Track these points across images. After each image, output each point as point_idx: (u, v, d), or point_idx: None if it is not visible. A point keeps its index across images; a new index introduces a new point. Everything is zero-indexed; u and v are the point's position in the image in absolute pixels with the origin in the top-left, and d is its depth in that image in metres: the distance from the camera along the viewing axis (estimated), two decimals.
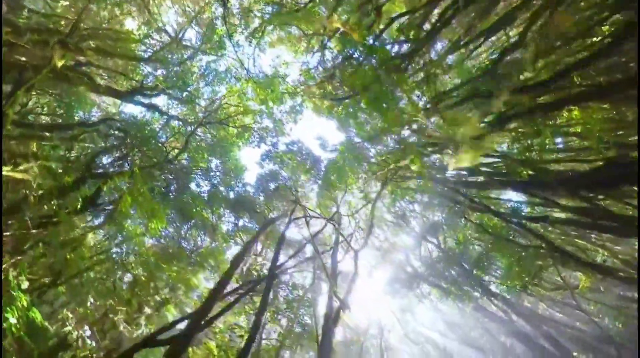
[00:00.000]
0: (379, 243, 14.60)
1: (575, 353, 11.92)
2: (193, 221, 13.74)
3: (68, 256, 8.72)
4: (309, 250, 13.47)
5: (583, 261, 8.55)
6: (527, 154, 8.47)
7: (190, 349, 8.86)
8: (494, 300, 11.89)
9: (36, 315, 6.08)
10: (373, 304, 14.67)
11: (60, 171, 9.08)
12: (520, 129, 8.57)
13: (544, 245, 8.50)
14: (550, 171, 8.29)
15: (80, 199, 7.82)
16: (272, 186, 13.03)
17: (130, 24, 11.05)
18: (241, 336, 10.08)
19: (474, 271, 10.88)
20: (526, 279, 10.42)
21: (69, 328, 6.71)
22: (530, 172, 8.07)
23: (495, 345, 13.12)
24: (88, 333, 6.84)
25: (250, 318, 11.25)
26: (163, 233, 13.20)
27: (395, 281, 14.22)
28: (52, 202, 7.65)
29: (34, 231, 6.80)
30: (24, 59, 8.91)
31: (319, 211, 10.84)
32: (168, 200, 12.95)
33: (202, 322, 6.12)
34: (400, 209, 13.71)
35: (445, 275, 11.50)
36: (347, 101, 10.44)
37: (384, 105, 9.61)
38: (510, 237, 10.05)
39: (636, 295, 12.24)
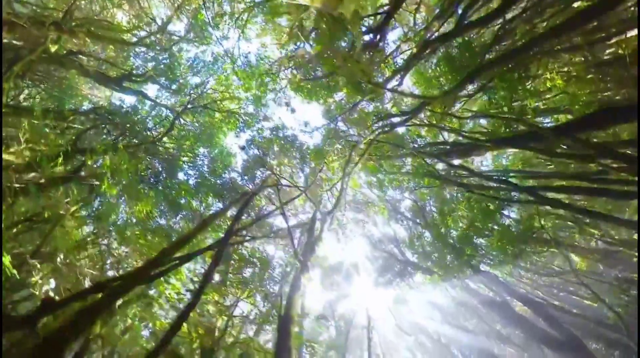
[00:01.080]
0: (369, 232, 14.76)
1: None
2: (182, 213, 14.18)
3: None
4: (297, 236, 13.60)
5: (580, 209, 8.27)
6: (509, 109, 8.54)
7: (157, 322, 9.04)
8: (485, 280, 11.82)
9: (6, 258, 6.47)
10: (364, 296, 14.60)
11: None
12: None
13: (535, 199, 8.39)
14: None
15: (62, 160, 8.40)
16: (257, 172, 13.50)
17: (122, 19, 12.25)
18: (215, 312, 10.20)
19: (462, 248, 10.92)
20: (517, 250, 10.36)
21: (35, 279, 7.04)
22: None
23: (492, 333, 12.81)
24: (53, 285, 7.17)
25: (231, 300, 11.35)
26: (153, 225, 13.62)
27: (387, 271, 14.23)
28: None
29: (16, 185, 7.34)
30: (20, 42, 9.95)
31: (308, 198, 11.16)
32: (157, 191, 13.49)
33: (144, 278, 6.41)
34: (388, 195, 14.01)
35: (434, 256, 11.56)
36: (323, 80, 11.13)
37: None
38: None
39: (635, 276, 12.03)
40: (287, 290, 9.88)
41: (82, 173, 10.51)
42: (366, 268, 14.77)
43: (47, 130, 9.10)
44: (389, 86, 11.03)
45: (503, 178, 10.87)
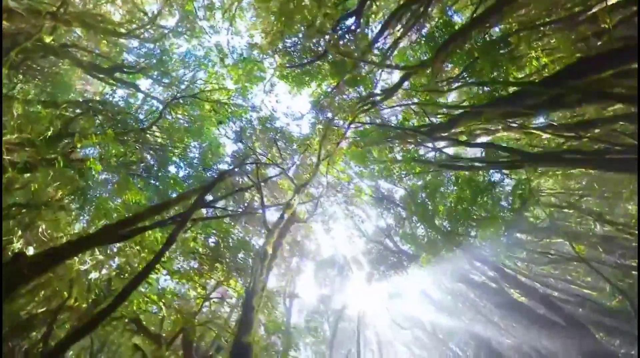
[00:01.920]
0: (360, 222, 14.84)
1: None
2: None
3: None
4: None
5: (571, 160, 8.04)
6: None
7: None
8: (484, 268, 11.76)
9: None
10: (356, 289, 14.52)
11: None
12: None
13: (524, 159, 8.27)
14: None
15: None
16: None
17: (114, 13, 13.08)
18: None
19: (453, 227, 10.95)
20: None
21: (16, 245, 7.34)
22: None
23: (489, 326, 12.56)
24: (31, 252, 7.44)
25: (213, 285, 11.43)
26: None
27: (380, 263, 14.21)
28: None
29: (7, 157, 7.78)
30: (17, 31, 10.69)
31: (287, 177, 11.45)
32: (146, 182, 13.87)
33: (111, 238, 6.66)
34: (378, 183, 14.21)
35: (425, 237, 11.61)
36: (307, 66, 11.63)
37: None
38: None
39: (635, 263, 11.84)
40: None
41: (72, 157, 10.97)
42: (359, 260, 14.74)
43: (39, 107, 9.60)
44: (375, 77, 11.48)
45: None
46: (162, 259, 10.49)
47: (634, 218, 12.10)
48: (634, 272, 12.02)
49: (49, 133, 10.23)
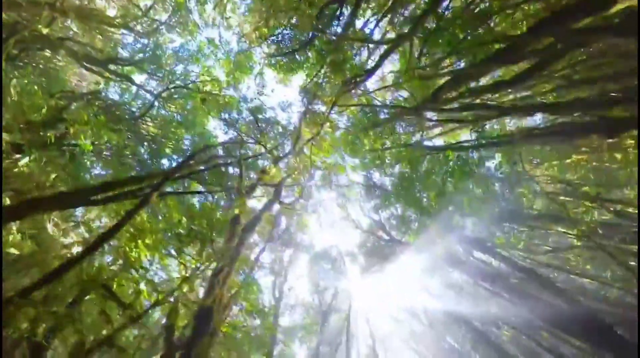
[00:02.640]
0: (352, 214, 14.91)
1: None
2: None
3: None
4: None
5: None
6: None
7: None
8: (477, 254, 11.70)
9: None
10: (350, 281, 14.47)
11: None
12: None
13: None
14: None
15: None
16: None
17: (108, 7, 13.84)
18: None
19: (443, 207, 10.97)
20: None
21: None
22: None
23: (487, 319, 12.30)
24: None
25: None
26: None
27: (374, 255, 14.20)
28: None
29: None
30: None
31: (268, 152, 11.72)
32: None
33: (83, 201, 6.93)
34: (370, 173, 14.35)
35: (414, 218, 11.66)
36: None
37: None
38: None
39: (635, 248, 11.60)
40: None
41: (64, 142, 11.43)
42: (352, 252, 14.73)
43: (35, 88, 10.12)
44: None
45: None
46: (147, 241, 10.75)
47: (632, 203, 11.94)
48: (632, 263, 11.81)
49: (44, 111, 10.75)
